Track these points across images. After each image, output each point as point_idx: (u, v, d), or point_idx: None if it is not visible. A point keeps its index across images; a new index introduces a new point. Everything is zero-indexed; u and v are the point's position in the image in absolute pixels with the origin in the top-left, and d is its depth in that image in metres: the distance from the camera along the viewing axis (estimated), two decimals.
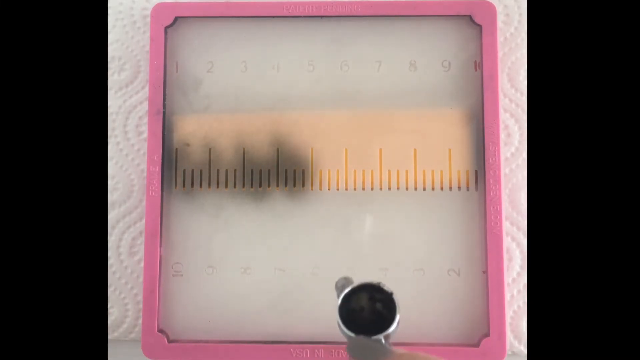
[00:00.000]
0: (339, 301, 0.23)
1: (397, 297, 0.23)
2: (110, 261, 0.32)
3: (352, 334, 0.22)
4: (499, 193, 0.30)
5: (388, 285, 0.23)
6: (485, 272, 0.30)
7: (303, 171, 0.31)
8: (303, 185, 0.31)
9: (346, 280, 0.24)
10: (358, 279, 0.30)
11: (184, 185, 0.31)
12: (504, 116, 0.31)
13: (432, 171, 0.30)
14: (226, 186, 0.31)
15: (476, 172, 0.30)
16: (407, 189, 0.30)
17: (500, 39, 0.32)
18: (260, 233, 0.31)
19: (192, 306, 0.30)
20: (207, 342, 0.30)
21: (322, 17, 0.31)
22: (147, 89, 0.32)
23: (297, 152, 0.31)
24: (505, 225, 0.31)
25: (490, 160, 0.30)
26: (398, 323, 0.22)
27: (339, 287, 0.24)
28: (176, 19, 0.32)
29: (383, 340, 0.22)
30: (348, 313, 0.23)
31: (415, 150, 0.31)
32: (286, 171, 0.31)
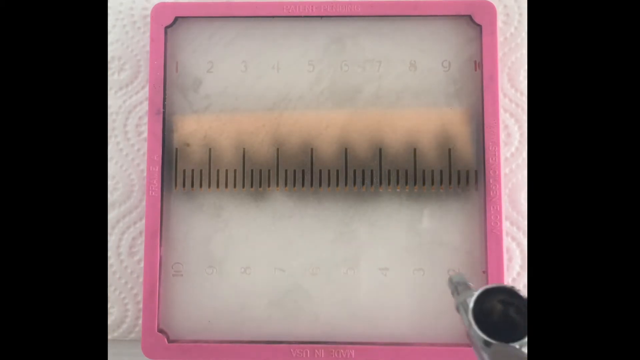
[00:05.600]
0: (472, 301, 0.21)
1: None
2: (110, 261, 0.32)
3: (490, 340, 0.21)
4: (499, 193, 0.30)
5: (522, 291, 0.22)
6: (485, 272, 0.30)
7: (303, 171, 0.31)
8: (303, 185, 0.31)
9: (461, 276, 0.23)
10: (357, 278, 0.30)
11: (184, 185, 0.31)
12: (504, 116, 0.31)
13: (432, 171, 0.30)
14: (226, 186, 0.31)
15: (476, 172, 0.30)
16: (407, 188, 0.30)
17: (500, 39, 0.32)
18: (260, 233, 0.31)
19: (192, 306, 0.30)
20: (207, 342, 0.30)
21: (322, 17, 0.31)
22: (147, 89, 0.32)
23: (297, 152, 0.31)
24: (505, 225, 0.31)
25: (490, 160, 0.30)
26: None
27: (455, 284, 0.23)
28: (176, 19, 0.32)
29: (518, 347, 0.21)
30: (477, 314, 0.21)
31: (415, 150, 0.31)
32: (286, 171, 0.31)
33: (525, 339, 0.21)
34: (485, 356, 0.21)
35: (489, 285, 0.22)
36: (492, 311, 0.22)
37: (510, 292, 0.22)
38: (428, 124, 0.31)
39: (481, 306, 0.22)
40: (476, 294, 0.22)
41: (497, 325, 0.21)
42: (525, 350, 0.21)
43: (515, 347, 0.21)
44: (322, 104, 0.31)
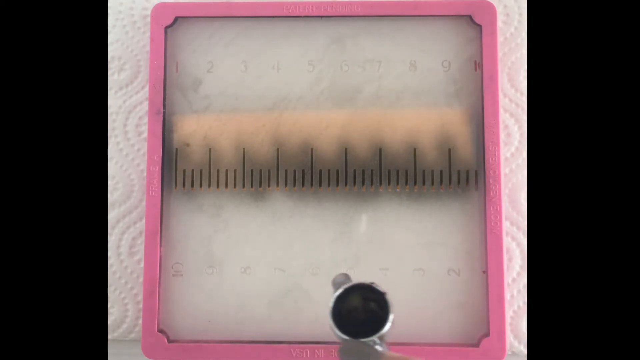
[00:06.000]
0: (331, 303, 0.22)
1: (391, 297, 0.22)
2: (110, 261, 0.32)
3: (344, 337, 0.22)
4: (499, 193, 0.30)
5: (382, 286, 0.22)
6: (485, 272, 0.30)
7: (303, 171, 0.31)
8: (303, 185, 0.31)
9: (345, 277, 0.23)
10: (357, 278, 0.30)
11: (184, 185, 0.31)
12: (504, 116, 0.31)
13: (432, 171, 0.30)
14: (226, 186, 0.31)
15: (476, 172, 0.30)
16: (407, 188, 0.30)
17: (500, 39, 0.32)
18: (260, 233, 0.31)
19: (192, 306, 0.30)
20: (207, 342, 0.30)
21: (322, 17, 0.31)
22: (147, 89, 0.32)
23: (297, 152, 0.31)
24: (505, 225, 0.31)
25: (490, 160, 0.30)
26: (392, 323, 0.22)
27: (337, 284, 0.23)
28: (176, 19, 0.32)
29: (377, 341, 0.21)
30: (341, 314, 0.22)
31: (415, 150, 0.31)
32: (286, 171, 0.31)
33: (384, 330, 0.21)
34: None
35: (347, 285, 0.22)
36: (356, 309, 0.22)
37: (369, 288, 0.22)
38: (428, 124, 0.31)
39: (345, 305, 0.22)
40: (335, 295, 0.22)
41: (363, 321, 0.22)
42: (380, 342, 0.22)
43: (365, 342, 0.21)
44: (322, 104, 0.31)
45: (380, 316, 0.22)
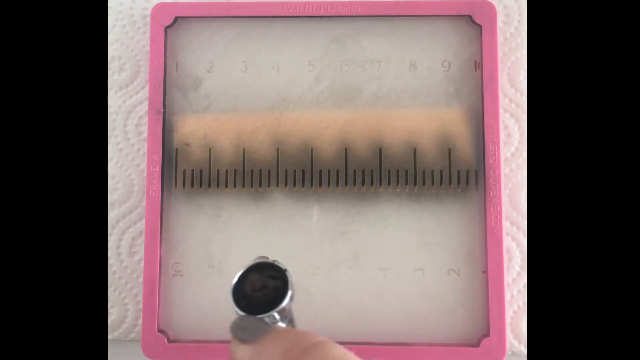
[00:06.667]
0: (233, 282, 0.22)
1: (291, 274, 0.22)
2: (110, 261, 0.32)
3: (241, 313, 0.22)
4: (499, 193, 0.30)
5: (283, 263, 0.23)
6: (485, 272, 0.30)
7: (303, 171, 0.31)
8: (303, 185, 0.31)
9: (263, 259, 0.24)
10: (357, 279, 0.30)
11: (184, 185, 0.31)
12: (504, 116, 0.31)
13: (432, 171, 0.30)
14: (226, 186, 0.31)
15: (476, 172, 0.30)
16: (407, 189, 0.30)
17: (500, 39, 0.32)
18: (260, 233, 0.31)
19: (192, 306, 0.30)
20: (207, 342, 0.30)
21: (322, 17, 0.31)
22: (147, 89, 0.32)
23: (297, 152, 0.31)
24: (505, 225, 0.31)
25: (490, 160, 0.30)
26: (292, 298, 0.22)
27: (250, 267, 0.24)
28: (176, 19, 0.32)
29: (277, 317, 0.22)
30: (246, 293, 0.22)
31: (415, 150, 0.31)
32: (286, 171, 0.31)
33: (282, 304, 0.22)
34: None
35: (250, 264, 0.23)
36: (263, 287, 0.22)
37: (270, 266, 0.23)
38: (428, 124, 0.31)
39: (249, 284, 0.22)
40: (237, 275, 0.22)
41: (267, 299, 0.22)
42: (282, 317, 0.22)
43: (255, 318, 0.22)
44: (322, 104, 0.31)
45: (283, 293, 0.22)
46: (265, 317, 0.22)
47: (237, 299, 0.22)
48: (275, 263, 0.23)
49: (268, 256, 0.30)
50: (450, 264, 0.30)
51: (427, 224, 0.30)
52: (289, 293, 0.22)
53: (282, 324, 0.22)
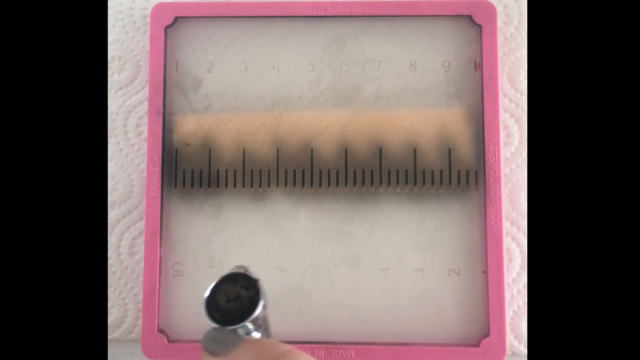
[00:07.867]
0: (206, 295, 0.22)
1: (262, 283, 0.22)
2: (110, 261, 0.32)
3: (213, 325, 0.22)
4: (499, 193, 0.30)
5: (255, 273, 0.23)
6: (485, 272, 0.30)
7: (303, 171, 0.31)
8: (303, 185, 0.31)
9: (239, 269, 0.24)
10: (357, 279, 0.30)
11: (184, 185, 0.31)
12: (504, 116, 0.31)
13: (432, 171, 0.30)
14: (226, 186, 0.31)
15: (476, 172, 0.30)
16: (407, 189, 0.30)
17: (500, 39, 0.32)
18: (260, 233, 0.31)
19: (192, 306, 0.30)
20: None
21: (322, 17, 0.31)
22: (147, 89, 0.32)
23: (297, 152, 0.31)
24: (505, 225, 0.31)
25: (490, 160, 0.30)
26: (264, 307, 0.22)
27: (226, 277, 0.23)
28: (176, 19, 0.32)
29: (250, 327, 0.22)
30: (219, 304, 0.22)
31: (415, 150, 0.31)
32: (286, 171, 0.31)
33: (255, 314, 0.22)
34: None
35: (223, 275, 0.23)
36: (237, 298, 0.22)
37: (242, 276, 0.23)
38: (428, 124, 0.31)
39: (223, 295, 0.22)
40: (209, 287, 0.23)
41: (240, 309, 0.22)
42: (255, 327, 0.22)
43: (227, 330, 0.22)
44: (322, 104, 0.31)
45: (256, 302, 0.22)
46: (238, 327, 0.22)
47: (210, 310, 0.22)
48: (247, 273, 0.23)
49: (271, 257, 0.30)
50: (450, 264, 0.30)
51: (427, 224, 0.30)
52: (261, 302, 0.22)
53: (256, 334, 0.22)
